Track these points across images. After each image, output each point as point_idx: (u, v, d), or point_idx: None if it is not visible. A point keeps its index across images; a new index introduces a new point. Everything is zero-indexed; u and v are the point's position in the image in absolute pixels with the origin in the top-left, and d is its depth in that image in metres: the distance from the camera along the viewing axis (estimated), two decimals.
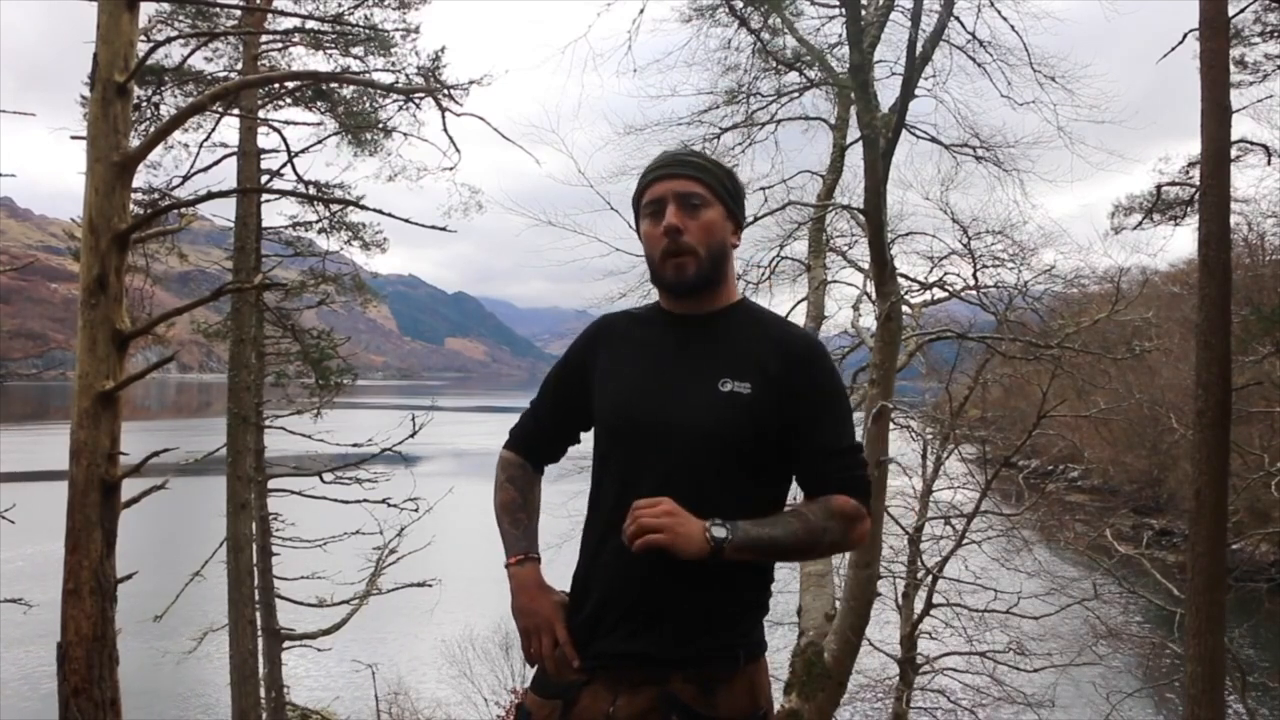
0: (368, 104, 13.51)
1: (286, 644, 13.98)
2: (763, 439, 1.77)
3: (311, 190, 13.90)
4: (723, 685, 1.72)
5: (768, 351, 1.80)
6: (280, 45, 13.53)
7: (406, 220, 6.90)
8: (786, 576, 10.58)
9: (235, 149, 13.37)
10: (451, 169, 12.28)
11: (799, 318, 11.61)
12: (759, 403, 1.76)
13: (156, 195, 12.89)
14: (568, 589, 1.92)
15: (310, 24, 13.11)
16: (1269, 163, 9.42)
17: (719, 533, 1.64)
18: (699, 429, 1.76)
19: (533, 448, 2.08)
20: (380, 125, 13.46)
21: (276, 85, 13.36)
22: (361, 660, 15.71)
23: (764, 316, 1.90)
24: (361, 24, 12.89)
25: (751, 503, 1.76)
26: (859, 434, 1.96)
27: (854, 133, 10.30)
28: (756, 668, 1.78)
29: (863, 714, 13.25)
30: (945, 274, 12.39)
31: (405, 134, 13.28)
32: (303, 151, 13.63)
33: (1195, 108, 7.25)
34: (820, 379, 1.81)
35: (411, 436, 13.78)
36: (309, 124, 13.73)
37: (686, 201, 1.82)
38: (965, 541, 11.66)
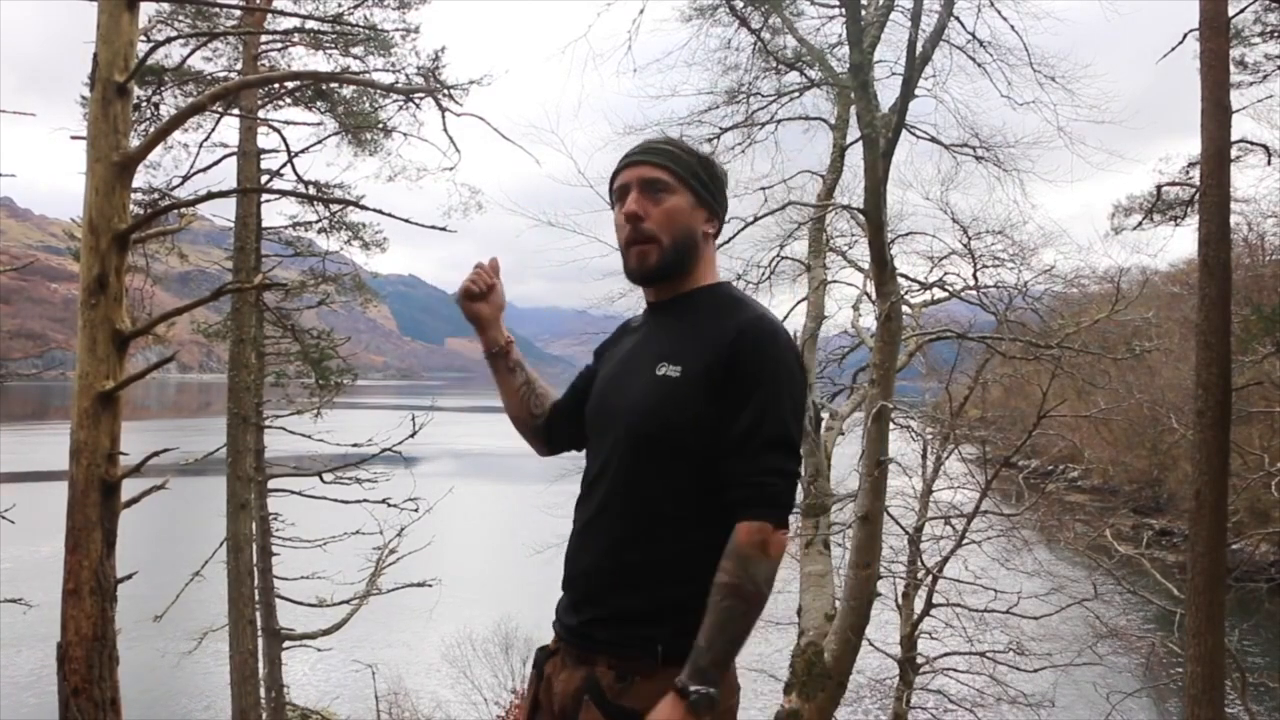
0: (368, 104, 13.51)
1: (286, 644, 13.98)
2: (688, 426, 1.71)
3: (311, 190, 13.90)
4: (641, 679, 1.71)
5: (708, 334, 1.75)
6: (280, 45, 13.53)
7: (406, 220, 6.90)
8: (787, 576, 10.58)
9: (235, 149, 13.37)
10: (451, 169, 12.31)
11: (799, 318, 11.63)
12: (686, 385, 1.72)
13: (156, 195, 12.89)
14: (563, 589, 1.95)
15: (310, 24, 13.12)
16: (1269, 163, 9.44)
17: (697, 694, 1.60)
18: (628, 414, 1.78)
19: (555, 408, 2.12)
20: (380, 125, 13.46)
21: (276, 85, 13.35)
22: (361, 660, 15.72)
23: (725, 300, 1.82)
24: (361, 24, 12.89)
25: (694, 501, 1.73)
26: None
27: (854, 133, 10.31)
28: None
29: (863, 714, 13.24)
30: (945, 274, 12.39)
31: (405, 134, 13.29)
32: (303, 151, 13.64)
33: (1195, 108, 7.26)
34: (747, 360, 1.70)
35: (411, 436, 13.77)
36: (309, 124, 13.75)
37: (650, 188, 1.81)
38: (965, 541, 11.64)
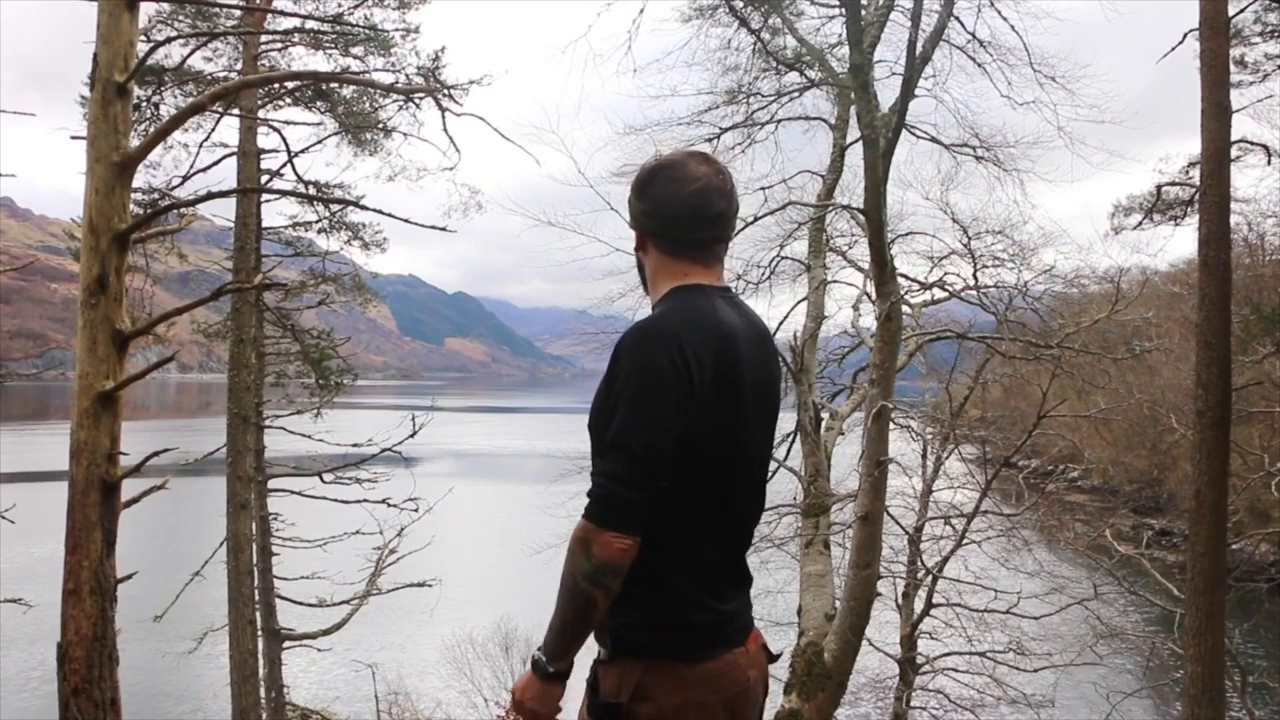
0: (368, 104, 13.51)
1: (286, 644, 13.98)
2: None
3: (311, 190, 13.91)
4: (605, 665, 1.86)
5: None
6: (280, 45, 13.53)
7: (406, 220, 6.91)
8: (787, 576, 10.58)
9: (235, 149, 13.37)
10: (451, 169, 12.31)
11: (799, 318, 11.63)
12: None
13: (156, 195, 12.89)
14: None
15: (310, 24, 13.12)
16: (1269, 163, 9.41)
17: (534, 657, 1.83)
18: None
19: None
20: (380, 125, 13.46)
21: (276, 85, 13.35)
22: (361, 660, 15.73)
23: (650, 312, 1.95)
24: (361, 24, 12.89)
25: None
26: (646, 424, 1.83)
27: (854, 133, 10.30)
28: (635, 663, 1.81)
29: (863, 714, 13.24)
30: (945, 274, 12.37)
31: (405, 134, 13.31)
32: (303, 151, 13.65)
33: (1195, 108, 7.26)
34: (613, 366, 1.81)
35: (411, 436, 13.78)
36: (309, 124, 13.76)
37: None
38: (965, 541, 11.63)
